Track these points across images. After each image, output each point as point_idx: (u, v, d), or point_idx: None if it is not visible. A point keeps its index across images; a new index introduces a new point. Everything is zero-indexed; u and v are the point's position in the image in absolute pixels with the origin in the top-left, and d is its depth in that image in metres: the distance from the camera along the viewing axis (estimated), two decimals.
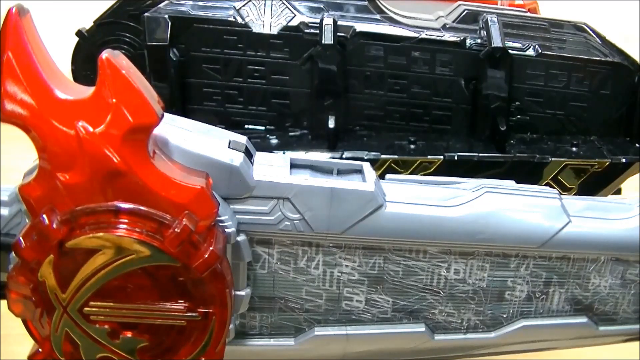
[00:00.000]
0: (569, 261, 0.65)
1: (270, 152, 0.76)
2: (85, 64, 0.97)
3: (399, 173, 0.86)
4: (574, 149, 0.90)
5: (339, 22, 0.87)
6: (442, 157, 0.87)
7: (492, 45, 0.86)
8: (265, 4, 0.88)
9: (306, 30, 0.87)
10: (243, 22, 0.87)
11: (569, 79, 0.89)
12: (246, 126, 0.91)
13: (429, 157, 0.87)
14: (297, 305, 0.64)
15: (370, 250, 0.62)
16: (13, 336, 0.66)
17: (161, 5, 0.88)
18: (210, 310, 0.57)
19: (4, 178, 0.70)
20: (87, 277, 0.54)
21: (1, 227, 0.60)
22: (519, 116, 0.90)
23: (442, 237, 0.62)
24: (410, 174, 0.87)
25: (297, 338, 0.65)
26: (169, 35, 0.86)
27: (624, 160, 0.89)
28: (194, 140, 0.58)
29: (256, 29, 0.87)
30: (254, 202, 0.59)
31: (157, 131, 0.54)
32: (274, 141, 0.89)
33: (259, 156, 0.62)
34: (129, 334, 0.57)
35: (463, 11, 0.93)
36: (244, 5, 0.88)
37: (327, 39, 0.85)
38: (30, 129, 0.53)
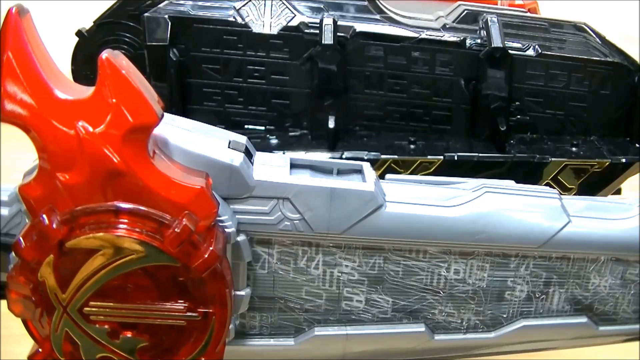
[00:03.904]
0: (569, 261, 0.65)
1: (270, 152, 0.76)
2: (85, 64, 0.97)
3: (399, 173, 0.86)
4: (574, 149, 0.90)
5: (339, 22, 0.87)
6: (442, 157, 0.87)
7: (492, 45, 0.86)
8: (265, 4, 0.88)
9: (306, 30, 0.87)
10: (243, 22, 0.87)
11: (569, 79, 0.89)
12: (246, 126, 0.91)
13: (429, 157, 0.87)
14: (297, 305, 0.64)
15: (370, 250, 0.62)
16: (13, 336, 0.66)
17: (161, 5, 0.88)
18: (210, 310, 0.57)
19: (4, 178, 0.70)
20: (87, 277, 0.54)
21: (1, 227, 0.60)
22: (519, 116, 0.90)
23: (442, 237, 0.62)
24: (410, 174, 0.87)
25: (297, 338, 0.65)
26: (169, 35, 0.86)
27: (624, 160, 0.89)
28: (194, 140, 0.58)
29: (256, 29, 0.87)
30: (254, 202, 0.59)
31: (157, 131, 0.54)
32: (274, 141, 0.89)
33: (259, 156, 0.62)
34: (129, 334, 0.57)
35: (463, 11, 0.93)
36: (244, 5, 0.88)
37: (327, 39, 0.85)
38: (30, 129, 0.53)
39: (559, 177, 0.89)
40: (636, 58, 0.91)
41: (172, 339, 0.58)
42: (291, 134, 0.91)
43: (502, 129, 0.88)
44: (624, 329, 0.68)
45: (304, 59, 0.88)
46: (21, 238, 0.54)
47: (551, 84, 0.89)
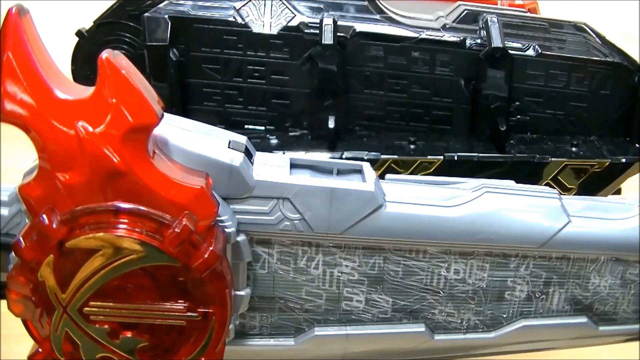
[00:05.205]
0: (569, 261, 0.65)
1: (270, 152, 0.76)
2: (85, 64, 0.97)
3: (399, 173, 0.86)
4: (574, 149, 0.90)
5: (339, 22, 0.87)
6: (442, 157, 0.87)
7: (492, 45, 0.86)
8: (265, 4, 0.88)
9: (306, 30, 0.87)
10: (243, 22, 0.87)
11: (569, 79, 0.89)
12: (246, 126, 0.91)
13: (429, 157, 0.87)
14: (297, 305, 0.64)
15: (370, 250, 0.62)
16: (13, 336, 0.66)
17: (161, 5, 0.88)
18: (210, 310, 0.57)
19: (4, 178, 0.70)
20: (87, 277, 0.54)
21: (1, 227, 0.60)
22: (519, 116, 0.90)
23: (442, 237, 0.62)
24: (410, 174, 0.87)
25: (297, 338, 0.65)
26: (169, 35, 0.86)
27: (624, 160, 0.89)
28: (194, 140, 0.58)
29: (256, 29, 0.87)
30: (254, 202, 0.59)
31: (157, 131, 0.54)
32: (274, 141, 0.89)
33: (259, 156, 0.62)
34: (129, 334, 0.57)
35: (463, 11, 0.93)
36: (244, 5, 0.88)
37: (327, 39, 0.85)
38: (30, 129, 0.53)
39: (559, 177, 0.89)
40: (636, 58, 0.91)
41: (172, 339, 0.58)
42: (291, 134, 0.91)
43: (502, 129, 0.88)
44: (624, 329, 0.68)
45: (304, 59, 0.88)
46: (21, 238, 0.54)
47: (551, 84, 0.89)
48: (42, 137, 0.53)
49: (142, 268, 0.54)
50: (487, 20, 0.89)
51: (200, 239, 0.54)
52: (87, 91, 0.53)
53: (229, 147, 0.59)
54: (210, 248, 0.55)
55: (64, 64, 0.86)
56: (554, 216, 0.63)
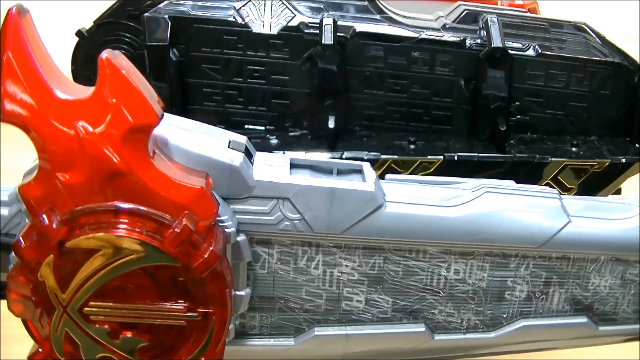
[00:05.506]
0: (569, 261, 0.65)
1: (270, 152, 0.76)
2: (85, 64, 0.97)
3: (399, 173, 0.86)
4: (574, 149, 0.90)
5: (339, 22, 0.87)
6: (442, 157, 0.87)
7: (492, 46, 0.87)
8: (265, 4, 0.88)
9: (306, 31, 0.87)
10: (243, 22, 0.87)
11: (569, 79, 0.89)
12: (246, 126, 0.91)
13: (429, 157, 0.87)
14: (297, 305, 0.64)
15: (370, 250, 0.62)
16: (13, 336, 0.66)
17: (161, 5, 0.88)
18: (210, 310, 0.57)
19: (4, 178, 0.70)
20: (87, 277, 0.54)
21: (1, 227, 0.60)
22: (519, 116, 0.90)
23: (442, 237, 0.62)
24: (410, 174, 0.87)
25: (297, 338, 0.65)
26: (169, 35, 0.86)
27: (624, 160, 0.89)
28: (194, 140, 0.58)
29: (256, 29, 0.87)
30: (254, 202, 0.59)
31: (157, 131, 0.54)
32: (274, 141, 0.89)
33: (259, 156, 0.62)
34: (129, 334, 0.57)
35: (463, 11, 0.93)
36: (244, 5, 0.88)
37: (327, 39, 0.85)
38: (30, 129, 0.53)
39: (559, 177, 0.89)
40: (636, 58, 0.91)
41: (172, 339, 0.58)
42: (291, 134, 0.91)
43: (502, 129, 0.88)
44: (624, 329, 0.68)
45: (304, 59, 0.88)
46: (21, 238, 0.54)
47: (551, 84, 0.89)
48: (42, 137, 0.53)
49: (142, 268, 0.54)
50: (487, 20, 0.89)
51: (200, 239, 0.54)
52: (87, 91, 0.53)
53: (229, 147, 0.59)
54: (210, 248, 0.55)
55: (64, 64, 0.86)
56: (554, 216, 0.63)
